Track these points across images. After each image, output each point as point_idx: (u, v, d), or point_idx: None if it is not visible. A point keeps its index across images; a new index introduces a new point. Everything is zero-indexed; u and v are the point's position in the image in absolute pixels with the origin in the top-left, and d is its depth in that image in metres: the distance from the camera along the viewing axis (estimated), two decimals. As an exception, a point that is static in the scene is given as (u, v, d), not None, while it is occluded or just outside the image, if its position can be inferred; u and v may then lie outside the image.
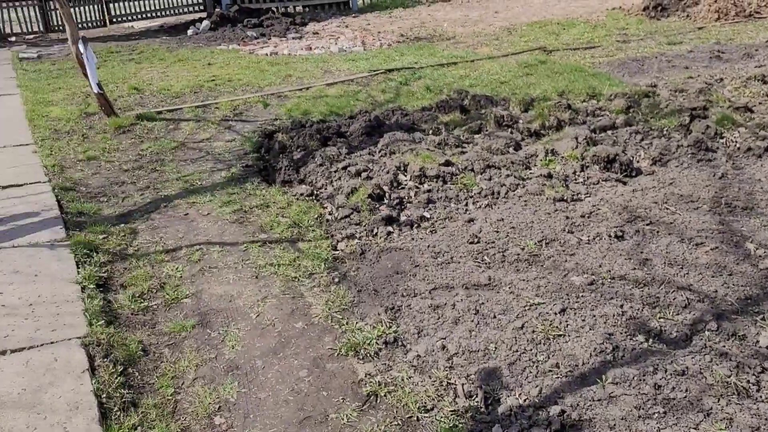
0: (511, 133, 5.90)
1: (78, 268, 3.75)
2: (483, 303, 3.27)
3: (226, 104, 7.56)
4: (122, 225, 4.48)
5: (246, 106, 7.53)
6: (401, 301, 3.36)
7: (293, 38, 12.38)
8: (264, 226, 4.38)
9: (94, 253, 3.98)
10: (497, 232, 4.03)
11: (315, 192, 4.91)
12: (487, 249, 3.85)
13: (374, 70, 8.97)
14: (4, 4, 13.31)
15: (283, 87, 8.37)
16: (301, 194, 4.86)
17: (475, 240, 3.95)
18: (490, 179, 4.85)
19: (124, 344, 3.07)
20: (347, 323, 3.23)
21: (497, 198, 4.59)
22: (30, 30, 13.62)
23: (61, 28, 13.85)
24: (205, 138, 6.42)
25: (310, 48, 11.20)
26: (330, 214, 4.55)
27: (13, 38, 13.29)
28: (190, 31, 13.56)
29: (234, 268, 3.85)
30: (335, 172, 5.09)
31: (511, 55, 9.62)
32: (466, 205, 4.54)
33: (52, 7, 13.73)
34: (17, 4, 13.44)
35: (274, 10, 14.97)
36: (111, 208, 4.79)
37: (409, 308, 3.30)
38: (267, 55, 10.77)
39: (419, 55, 10.06)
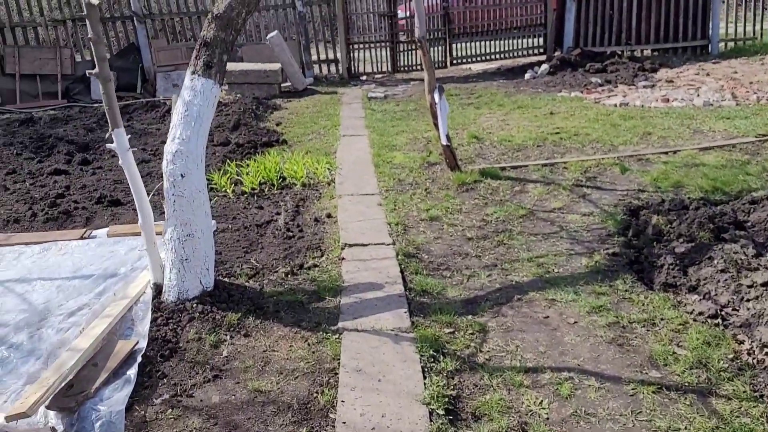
0: None
1: (424, 377, 3.09)
2: None
3: (576, 164, 6.60)
4: (469, 317, 3.77)
5: (599, 169, 6.48)
6: None
7: (644, 86, 10.94)
8: (654, 356, 3.26)
9: (441, 356, 3.30)
10: None
11: (719, 312, 3.62)
12: None
13: (763, 134, 7.17)
14: (360, 46, 14.35)
15: (643, 148, 7.10)
16: (699, 313, 3.62)
17: None
18: None
19: None
20: None
21: None
22: (379, 70, 14.48)
23: (406, 69, 14.47)
24: (557, 207, 5.52)
25: (667, 99, 9.67)
26: (751, 354, 3.23)
27: (364, 77, 14.24)
28: (527, 75, 12.99)
29: (621, 422, 2.80)
30: (749, 287, 3.73)
31: None
32: None
33: (401, 50, 14.41)
34: (372, 45, 14.40)
35: (619, 54, 13.63)
36: (455, 289, 4.14)
37: None
38: (616, 105, 9.55)
39: (821, 116, 7.89)
